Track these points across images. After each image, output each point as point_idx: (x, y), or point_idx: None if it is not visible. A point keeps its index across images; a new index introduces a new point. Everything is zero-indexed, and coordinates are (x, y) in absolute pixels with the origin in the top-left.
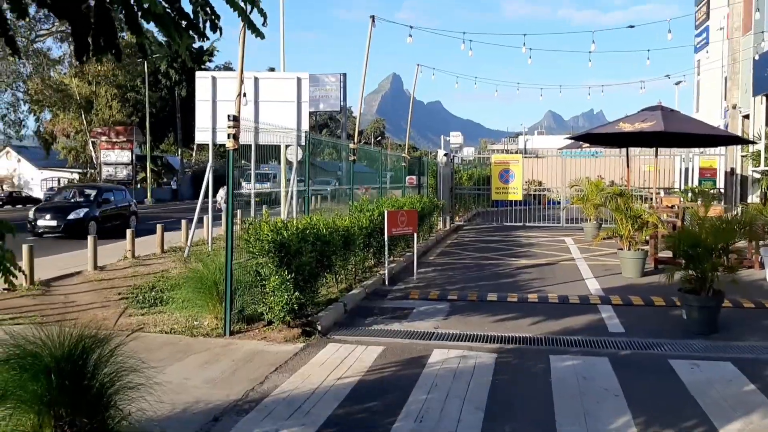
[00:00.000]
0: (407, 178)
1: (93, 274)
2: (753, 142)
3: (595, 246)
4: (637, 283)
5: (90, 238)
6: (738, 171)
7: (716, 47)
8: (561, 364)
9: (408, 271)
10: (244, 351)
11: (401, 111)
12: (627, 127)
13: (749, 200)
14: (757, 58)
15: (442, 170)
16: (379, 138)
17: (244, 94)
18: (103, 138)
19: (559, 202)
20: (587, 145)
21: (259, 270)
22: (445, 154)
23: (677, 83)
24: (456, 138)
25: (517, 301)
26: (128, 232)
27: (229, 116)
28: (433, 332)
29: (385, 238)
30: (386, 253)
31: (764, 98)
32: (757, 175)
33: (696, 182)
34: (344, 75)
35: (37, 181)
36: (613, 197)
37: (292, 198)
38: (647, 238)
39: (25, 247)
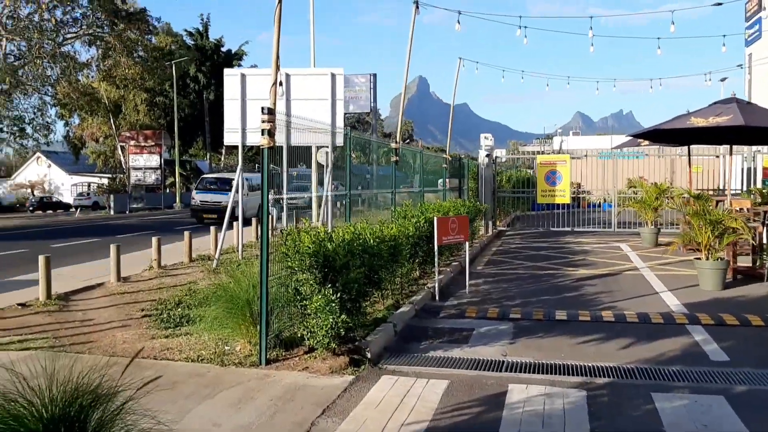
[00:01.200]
0: (440, 181)
1: (116, 286)
2: None
3: (668, 255)
4: (720, 297)
5: (113, 248)
6: None
7: None
8: (668, 405)
9: (457, 283)
10: (284, 385)
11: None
12: (700, 122)
13: None
14: None
15: (484, 172)
16: (407, 140)
17: (280, 83)
18: (132, 142)
19: (598, 205)
20: (645, 142)
21: (298, 287)
22: (487, 155)
23: (722, 80)
24: (487, 140)
25: (591, 320)
26: (153, 240)
27: (263, 109)
28: (503, 360)
29: (435, 248)
30: (436, 264)
31: None
32: None
33: (759, 183)
34: (374, 75)
35: (67, 186)
36: (688, 200)
37: (326, 203)
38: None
39: (41, 259)
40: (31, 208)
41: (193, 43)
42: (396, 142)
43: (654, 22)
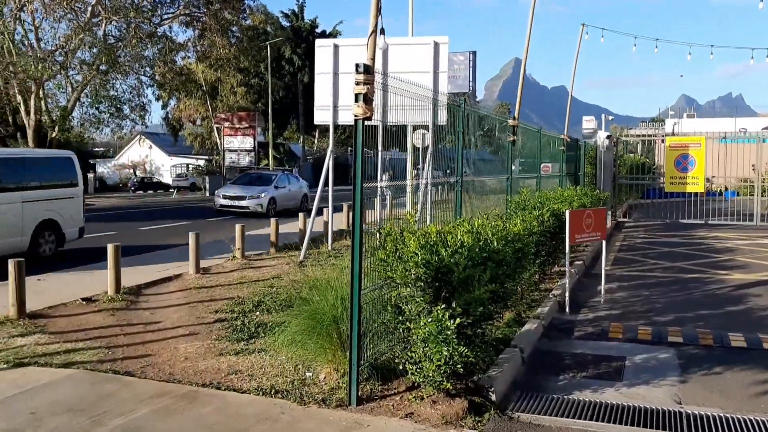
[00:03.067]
0: (542, 166)
1: (193, 279)
2: None
3: None
4: None
5: (192, 236)
6: None
7: None
8: None
9: (584, 287)
10: None
11: (524, 96)
12: None
13: None
14: None
15: (603, 156)
16: (504, 124)
17: (382, 31)
18: (226, 124)
19: (719, 193)
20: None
21: (400, 305)
22: (608, 137)
23: None
24: (589, 123)
25: None
26: (237, 227)
27: (358, 66)
28: (680, 411)
29: (566, 248)
30: (567, 267)
31: None
32: None
33: None
34: (474, 53)
35: (167, 167)
36: None
37: (425, 191)
38: None
39: (110, 248)
40: (132, 188)
41: (288, 24)
42: (514, 119)
43: None
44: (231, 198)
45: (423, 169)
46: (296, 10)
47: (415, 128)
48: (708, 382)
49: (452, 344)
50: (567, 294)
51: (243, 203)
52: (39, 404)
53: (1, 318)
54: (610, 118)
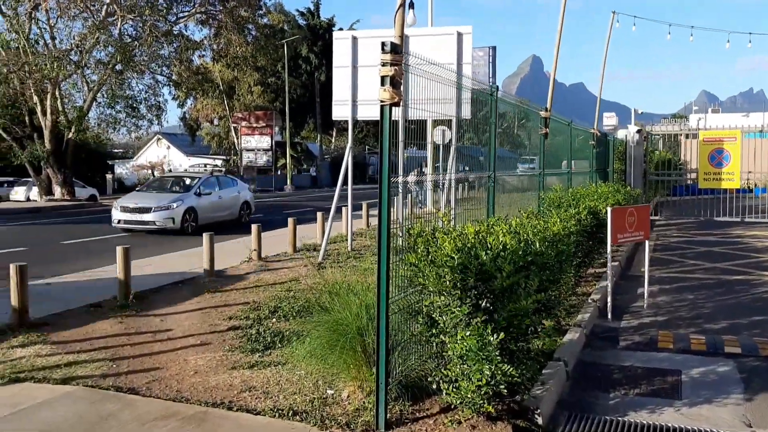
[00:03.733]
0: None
1: (207, 282)
2: None
3: None
4: None
5: (206, 236)
6: None
7: None
8: None
9: (624, 290)
10: None
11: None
12: None
13: None
14: None
15: (633, 151)
16: (524, 121)
17: (411, 4)
18: (243, 123)
19: (749, 189)
20: None
21: (433, 315)
22: (638, 131)
23: None
24: (610, 119)
25: None
26: (253, 227)
27: (384, 45)
28: None
29: (608, 248)
30: (609, 270)
31: None
32: None
33: None
34: (494, 48)
35: (185, 167)
36: None
37: (450, 188)
38: None
39: (119, 251)
40: None
41: (304, 22)
42: (546, 110)
43: None
44: (131, 211)
45: (448, 164)
46: (312, 8)
47: (436, 124)
48: None
49: (495, 362)
50: (609, 299)
51: (147, 217)
52: (29, 428)
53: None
54: (640, 111)
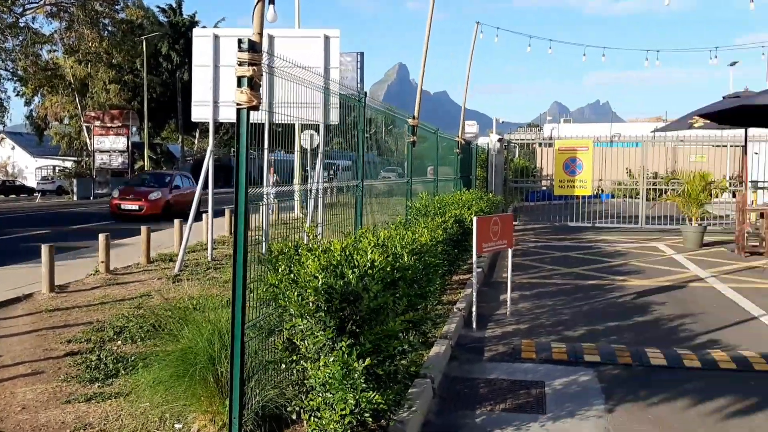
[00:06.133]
0: (429, 169)
1: (47, 299)
2: None
3: (725, 259)
4: None
5: (45, 249)
6: None
7: None
8: None
9: (487, 298)
10: None
11: (407, 101)
12: None
13: None
14: None
15: (495, 159)
16: (390, 127)
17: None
18: (97, 123)
19: (595, 196)
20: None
21: (295, 340)
22: (499, 139)
23: (732, 64)
24: (471, 127)
25: (703, 367)
26: (101, 237)
27: (241, 43)
28: None
29: (473, 258)
30: (474, 279)
31: None
32: None
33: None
34: (361, 54)
35: (32, 169)
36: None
37: (317, 197)
38: None
39: None
40: None
41: (166, 19)
42: (414, 118)
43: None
44: None
45: (317, 172)
46: (174, 5)
47: (303, 128)
48: (637, 411)
49: (360, 389)
50: (474, 308)
51: None
52: None
53: None
54: (501, 120)
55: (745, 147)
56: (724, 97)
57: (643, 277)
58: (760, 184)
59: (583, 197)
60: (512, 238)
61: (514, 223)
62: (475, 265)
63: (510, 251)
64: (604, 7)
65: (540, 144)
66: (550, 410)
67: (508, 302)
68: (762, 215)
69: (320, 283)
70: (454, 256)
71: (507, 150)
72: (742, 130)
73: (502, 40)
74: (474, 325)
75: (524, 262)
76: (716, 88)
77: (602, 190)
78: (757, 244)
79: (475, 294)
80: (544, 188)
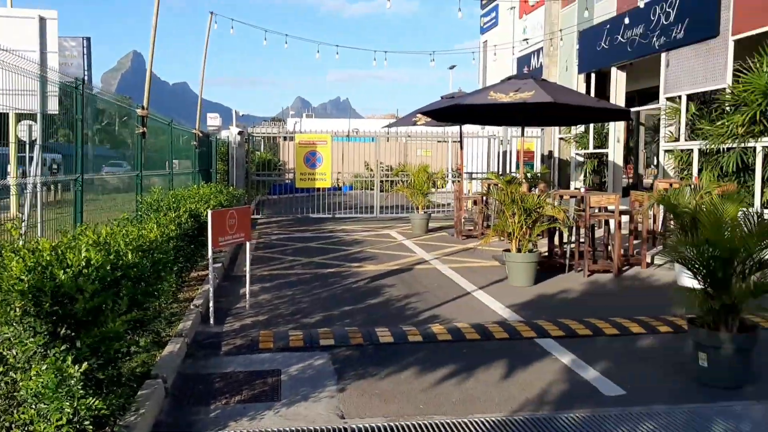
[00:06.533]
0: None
1: None
2: None
3: (446, 243)
4: (540, 294)
5: None
6: (556, 154)
7: (506, 27)
8: None
9: (227, 292)
10: None
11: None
12: (502, 98)
13: (573, 185)
14: (581, 31)
15: (235, 152)
16: (125, 118)
17: None
18: None
19: (337, 188)
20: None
21: (1, 351)
22: (239, 132)
23: (451, 67)
24: (214, 120)
25: (424, 341)
26: None
27: None
28: (345, 428)
29: (209, 253)
30: (211, 275)
31: (585, 77)
32: (581, 159)
33: (514, 167)
34: (88, 39)
35: None
36: (501, 188)
37: (34, 194)
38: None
39: None
40: None
41: None
42: (143, 108)
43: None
44: None
45: (33, 165)
46: None
47: (21, 117)
48: (366, 388)
49: (78, 396)
50: (211, 303)
51: None
52: None
53: None
54: (242, 113)
55: (461, 142)
56: (442, 97)
57: (376, 262)
58: (474, 175)
59: (326, 189)
60: (250, 231)
61: (258, 216)
62: (211, 260)
63: (248, 244)
64: (341, 8)
65: (284, 138)
66: (285, 396)
67: (248, 295)
68: (475, 202)
69: (27, 285)
70: (191, 251)
71: (250, 143)
72: (464, 127)
73: (241, 33)
74: (212, 321)
75: (266, 255)
76: (441, 88)
77: (344, 183)
78: (472, 228)
79: (212, 289)
80: (288, 181)
